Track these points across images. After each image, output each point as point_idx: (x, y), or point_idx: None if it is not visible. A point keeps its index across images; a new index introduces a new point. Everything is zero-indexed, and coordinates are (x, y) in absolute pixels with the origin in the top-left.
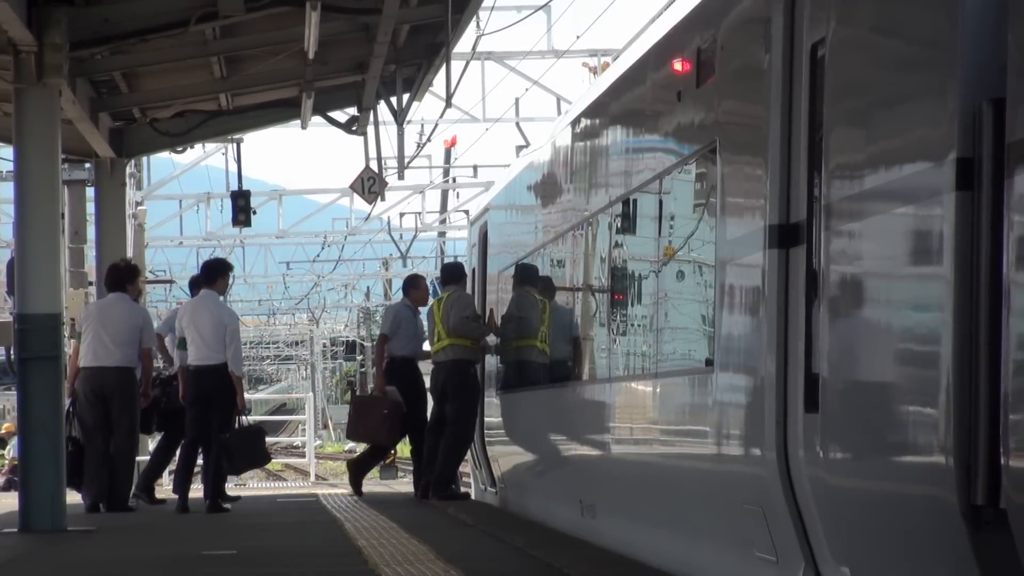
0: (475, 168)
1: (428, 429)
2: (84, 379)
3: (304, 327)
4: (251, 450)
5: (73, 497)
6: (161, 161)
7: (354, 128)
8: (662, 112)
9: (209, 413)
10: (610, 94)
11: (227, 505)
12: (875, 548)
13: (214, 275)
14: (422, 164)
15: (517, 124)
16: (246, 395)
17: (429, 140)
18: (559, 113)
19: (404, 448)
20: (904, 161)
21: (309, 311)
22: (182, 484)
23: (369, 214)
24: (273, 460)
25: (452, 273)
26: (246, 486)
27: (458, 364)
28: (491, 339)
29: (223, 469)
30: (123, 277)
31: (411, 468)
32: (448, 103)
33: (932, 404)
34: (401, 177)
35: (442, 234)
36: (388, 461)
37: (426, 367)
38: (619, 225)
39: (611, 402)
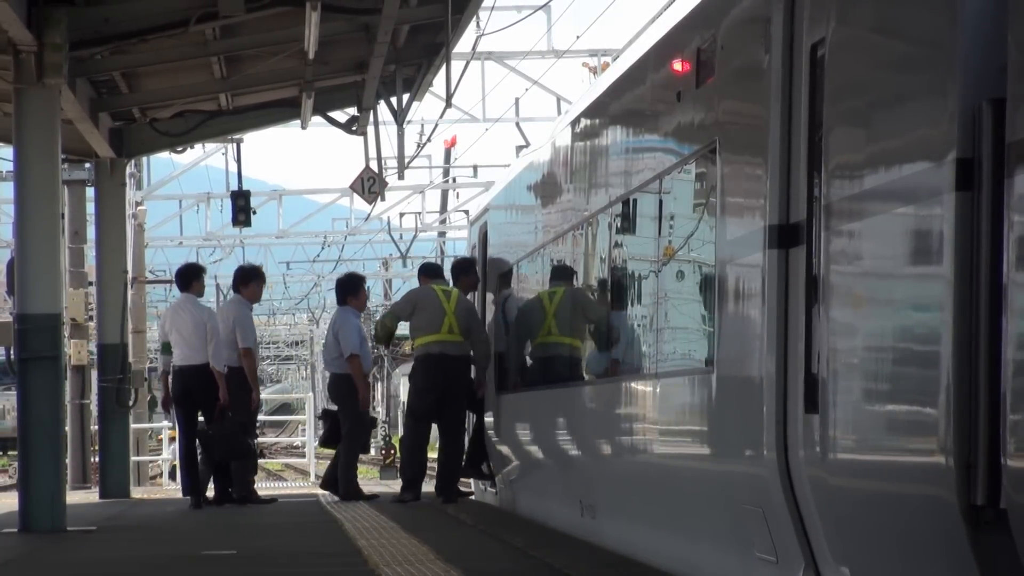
0: (475, 168)
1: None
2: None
3: (304, 327)
4: (231, 443)
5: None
6: (161, 161)
7: (354, 128)
8: (662, 112)
9: (196, 411)
10: (610, 94)
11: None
12: (875, 548)
13: (188, 279)
14: (422, 164)
15: (517, 124)
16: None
17: (429, 140)
18: (559, 113)
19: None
20: (904, 161)
21: (309, 311)
22: (191, 481)
23: (369, 214)
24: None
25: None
26: None
27: (468, 361)
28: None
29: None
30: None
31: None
32: (448, 103)
33: (932, 404)
34: (401, 177)
35: (442, 234)
36: (388, 461)
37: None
38: (619, 225)
39: (611, 402)
